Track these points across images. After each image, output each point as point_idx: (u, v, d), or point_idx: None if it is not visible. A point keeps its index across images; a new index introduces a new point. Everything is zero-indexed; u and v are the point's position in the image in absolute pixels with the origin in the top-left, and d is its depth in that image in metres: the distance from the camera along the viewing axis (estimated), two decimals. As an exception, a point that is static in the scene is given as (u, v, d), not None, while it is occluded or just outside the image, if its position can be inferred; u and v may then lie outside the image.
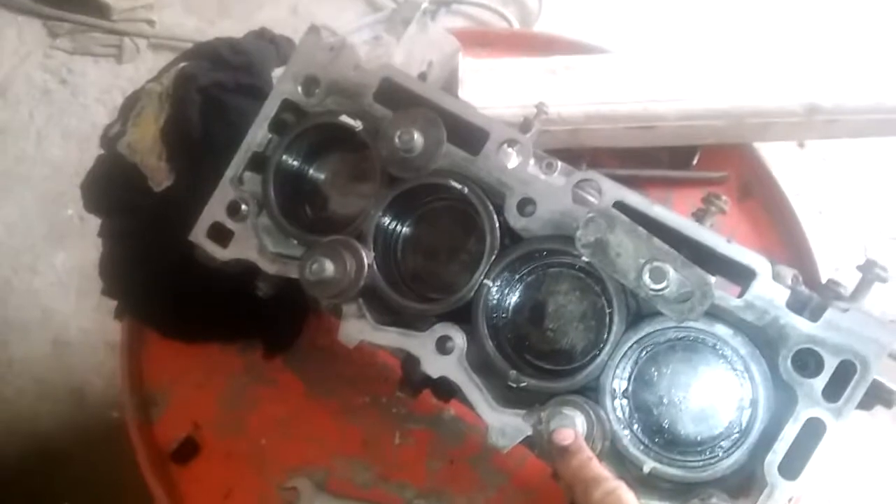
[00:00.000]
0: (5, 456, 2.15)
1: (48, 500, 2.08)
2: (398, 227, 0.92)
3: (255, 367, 1.20)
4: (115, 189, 1.16)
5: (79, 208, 2.46)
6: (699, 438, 0.79)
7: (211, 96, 1.11)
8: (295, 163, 0.96)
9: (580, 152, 1.28)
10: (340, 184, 0.98)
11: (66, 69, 2.86)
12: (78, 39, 2.91)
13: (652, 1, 2.80)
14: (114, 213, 1.18)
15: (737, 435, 0.79)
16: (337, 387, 1.18)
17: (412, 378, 0.92)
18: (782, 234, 1.26)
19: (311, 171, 0.98)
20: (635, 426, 0.78)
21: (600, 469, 0.71)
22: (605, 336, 0.80)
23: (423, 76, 1.16)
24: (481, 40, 1.46)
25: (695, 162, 1.32)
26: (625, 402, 0.79)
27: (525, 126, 0.94)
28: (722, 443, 0.79)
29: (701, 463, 0.77)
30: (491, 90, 1.24)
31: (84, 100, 2.79)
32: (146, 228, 1.14)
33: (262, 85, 1.18)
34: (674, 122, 1.24)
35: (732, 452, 0.77)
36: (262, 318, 1.15)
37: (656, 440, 0.79)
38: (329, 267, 0.84)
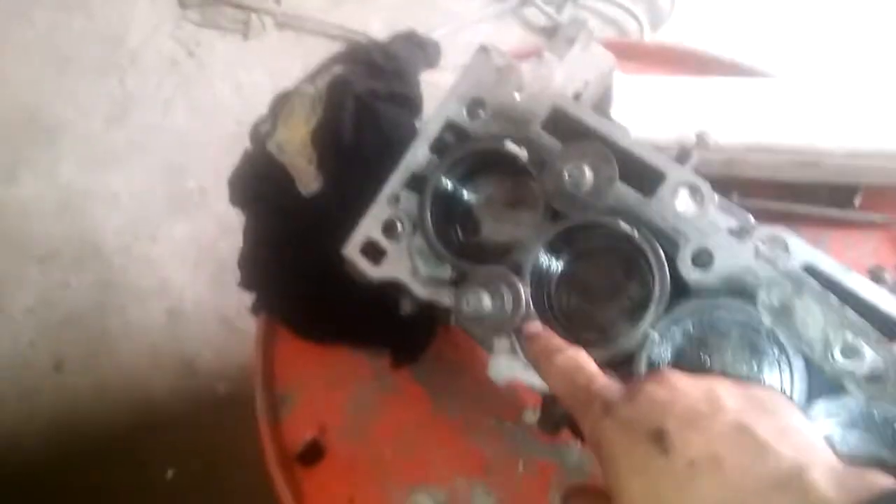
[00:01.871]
0: (117, 419, 2.24)
1: (155, 465, 2.16)
2: (554, 263, 0.89)
3: (382, 375, 1.19)
4: (262, 186, 1.17)
5: (199, 180, 2.56)
6: None
7: (364, 104, 1.10)
8: (450, 184, 0.94)
9: (731, 182, 1.22)
10: (495, 209, 0.95)
11: (195, 41, 2.92)
12: (207, 13, 2.98)
13: (785, 15, 2.66)
14: (259, 210, 1.19)
15: None
16: (462, 404, 1.16)
17: (553, 415, 0.89)
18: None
19: (465, 194, 0.96)
20: None
21: (560, 340, 0.78)
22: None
23: (577, 96, 1.12)
24: (629, 52, 1.40)
25: (857, 202, 1.23)
26: None
27: (682, 156, 0.89)
28: None
29: None
30: (643, 110, 1.19)
31: (210, 73, 2.85)
32: (291, 229, 1.14)
33: (412, 93, 1.16)
34: (841, 160, 1.16)
35: None
36: (394, 328, 1.14)
37: None
38: (487, 301, 0.82)
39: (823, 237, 1.22)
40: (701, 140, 0.96)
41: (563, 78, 1.06)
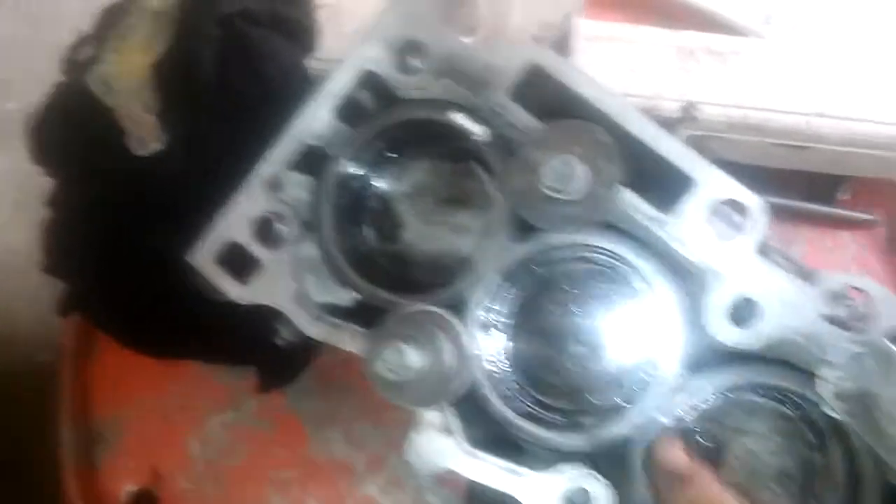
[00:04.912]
0: None
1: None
2: (512, 296, 0.61)
3: (243, 402, 0.90)
4: (78, 139, 0.83)
5: (23, 101, 2.09)
6: None
7: (233, 29, 0.77)
8: (362, 167, 0.64)
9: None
10: (424, 206, 0.66)
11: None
12: None
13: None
14: (73, 173, 0.84)
15: None
16: (352, 437, 0.89)
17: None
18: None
19: (381, 181, 0.66)
20: None
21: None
22: None
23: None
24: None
25: (840, 196, 1.02)
26: None
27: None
28: None
29: None
30: (608, 67, 0.92)
31: (43, -36, 2.34)
32: (119, 203, 0.81)
33: (303, 19, 0.84)
34: (836, 147, 0.94)
35: None
36: (262, 338, 0.84)
37: None
38: (413, 358, 0.53)
39: (799, 233, 1.00)
40: (688, 112, 0.73)
41: (521, 17, 0.77)
